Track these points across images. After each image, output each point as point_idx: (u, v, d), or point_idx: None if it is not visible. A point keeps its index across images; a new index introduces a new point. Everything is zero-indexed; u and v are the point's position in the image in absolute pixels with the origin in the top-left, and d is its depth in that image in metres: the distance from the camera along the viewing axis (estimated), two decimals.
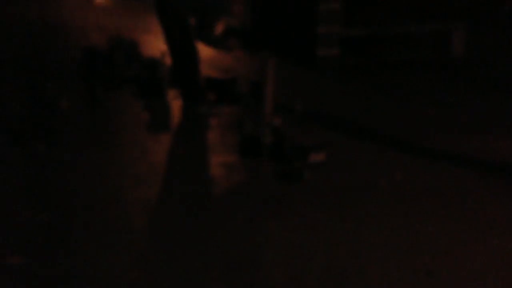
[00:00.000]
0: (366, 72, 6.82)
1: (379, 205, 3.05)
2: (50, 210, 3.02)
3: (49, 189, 3.37)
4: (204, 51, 5.84)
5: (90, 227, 2.86)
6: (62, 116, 4.88)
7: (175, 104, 5.20)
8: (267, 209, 3.09)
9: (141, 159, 3.84)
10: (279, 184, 3.38)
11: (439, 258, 2.51)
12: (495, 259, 2.51)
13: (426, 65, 6.79)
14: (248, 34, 7.61)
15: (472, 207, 3.03)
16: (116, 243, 2.69)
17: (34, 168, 3.66)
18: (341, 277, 2.35)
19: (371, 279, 2.34)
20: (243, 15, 7.73)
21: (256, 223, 2.92)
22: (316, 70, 6.91)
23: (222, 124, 4.55)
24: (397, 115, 4.82)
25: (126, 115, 5.02)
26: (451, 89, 5.66)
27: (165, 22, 5.13)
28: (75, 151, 3.99)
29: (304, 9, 7.52)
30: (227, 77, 5.62)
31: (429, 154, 3.85)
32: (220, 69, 6.05)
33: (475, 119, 4.62)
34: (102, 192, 3.29)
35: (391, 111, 4.97)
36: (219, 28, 6.31)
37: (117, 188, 3.33)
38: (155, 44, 6.80)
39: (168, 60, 5.46)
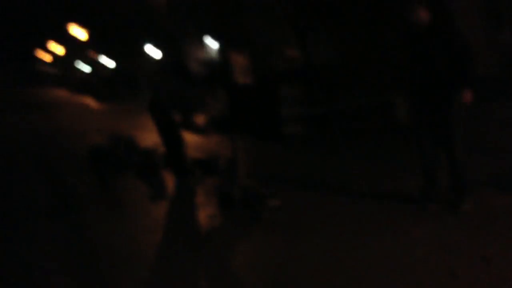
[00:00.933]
0: (324, 142, 8.31)
1: (321, 234, 4.30)
2: None
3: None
4: (189, 137, 7.33)
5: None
6: (82, 196, 6.28)
7: (169, 179, 6.61)
8: (237, 237, 4.41)
9: (148, 218, 5.18)
10: (246, 223, 4.71)
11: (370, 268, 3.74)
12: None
13: (376, 131, 8.12)
14: (224, 121, 9.18)
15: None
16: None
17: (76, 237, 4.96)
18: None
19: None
20: (219, 105, 9.36)
21: (232, 244, 4.20)
22: (283, 145, 8.41)
23: (206, 190, 5.91)
24: (343, 171, 6.18)
25: (131, 191, 6.39)
26: (390, 147, 6.98)
27: (156, 119, 6.65)
28: (94, 219, 5.32)
29: (270, 95, 9.18)
30: (208, 157, 7.08)
31: (357, 195, 5.17)
32: (202, 151, 7.54)
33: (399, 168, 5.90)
34: (124, 235, 4.57)
35: (339, 169, 6.35)
36: (199, 119, 7.83)
37: (133, 235, 4.61)
38: (148, 137, 8.37)
39: (160, 148, 6.93)
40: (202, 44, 30.23)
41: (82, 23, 37.83)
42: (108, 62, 41.53)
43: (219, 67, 24.10)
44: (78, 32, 37.94)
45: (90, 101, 25.37)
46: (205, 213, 5.22)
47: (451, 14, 4.43)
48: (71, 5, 42.28)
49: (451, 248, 3.69)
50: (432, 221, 4.26)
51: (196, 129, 6.89)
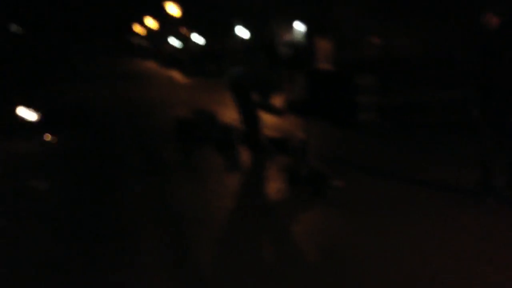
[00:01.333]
0: (397, 131, 8.50)
1: (377, 214, 4.62)
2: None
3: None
4: (266, 117, 7.83)
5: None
6: (166, 162, 6.99)
7: (244, 154, 7.16)
8: (300, 209, 4.85)
9: (222, 186, 5.75)
10: (310, 198, 5.14)
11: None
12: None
13: (447, 126, 8.22)
14: (301, 104, 9.57)
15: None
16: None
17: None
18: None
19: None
20: (298, 88, 9.75)
21: (294, 215, 4.64)
22: (357, 131, 8.69)
23: (277, 166, 6.38)
24: (411, 160, 6.43)
25: (209, 161, 7.01)
26: (461, 141, 7.04)
27: (236, 97, 7.19)
28: (177, 183, 5.98)
29: (346, 83, 9.43)
30: (282, 136, 7.54)
31: (420, 184, 5.42)
32: (277, 130, 8.02)
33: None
34: (200, 198, 5.18)
35: (407, 158, 6.59)
36: (277, 100, 8.29)
37: (208, 199, 5.19)
38: (230, 113, 8.95)
39: (238, 124, 7.48)
40: (291, 27, 30.59)
41: (177, 1, 39.41)
42: (198, 39, 43.02)
43: (303, 51, 24.32)
44: (173, 9, 39.56)
45: (177, 75, 26.61)
46: (273, 186, 5.71)
47: None
48: None
49: (498, 239, 3.91)
50: (487, 213, 4.46)
51: (273, 110, 7.31)
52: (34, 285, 3.64)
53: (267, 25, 33.38)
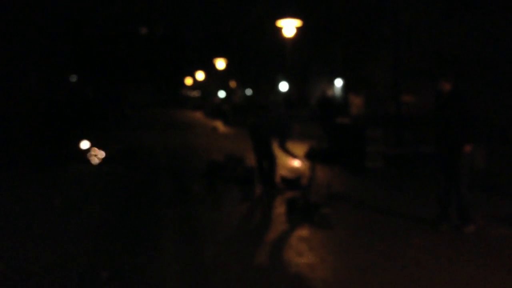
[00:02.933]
0: (399, 178, 9.63)
1: (353, 234, 5.81)
2: None
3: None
4: (282, 158, 9.18)
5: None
6: (196, 196, 8.43)
7: (259, 188, 8.52)
8: (292, 229, 6.09)
9: (236, 212, 7.09)
10: (302, 222, 6.39)
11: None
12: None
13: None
14: (322, 151, 10.92)
15: None
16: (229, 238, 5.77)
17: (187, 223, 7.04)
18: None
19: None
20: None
21: (288, 232, 5.88)
22: (366, 177, 9.86)
23: (283, 199, 7.66)
24: (397, 200, 7.58)
25: (232, 194, 8.38)
26: None
27: (255, 142, 8.63)
28: (205, 210, 7.37)
29: (358, 135, 10.72)
30: (292, 176, 8.87)
31: (393, 216, 6.56)
32: (290, 171, 9.35)
33: None
34: (219, 219, 6.51)
35: (395, 198, 7.75)
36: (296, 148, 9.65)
37: (224, 220, 6.52)
38: (251, 156, 10.37)
39: (255, 165, 8.88)
40: (332, 84, 32.25)
41: (225, 57, 42.15)
42: (243, 92, 45.30)
43: (338, 105, 25.79)
44: (221, 64, 42.22)
45: (219, 124, 28.53)
46: (275, 212, 7.01)
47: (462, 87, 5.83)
48: (219, 43, 47.38)
49: (439, 254, 5.06)
50: (435, 235, 5.61)
51: (290, 154, 8.65)
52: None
53: (307, 82, 35.23)
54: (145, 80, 66.30)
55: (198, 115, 43.02)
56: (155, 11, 68.93)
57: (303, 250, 5.35)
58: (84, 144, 12.64)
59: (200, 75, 55.71)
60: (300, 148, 10.42)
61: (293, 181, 8.67)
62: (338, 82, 31.53)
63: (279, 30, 23.46)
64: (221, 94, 52.70)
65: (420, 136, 11.72)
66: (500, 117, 14.21)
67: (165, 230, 6.39)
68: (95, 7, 38.70)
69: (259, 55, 38.33)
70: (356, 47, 24.88)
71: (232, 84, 50.43)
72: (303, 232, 6.05)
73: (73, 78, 38.11)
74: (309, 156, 10.01)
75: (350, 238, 5.72)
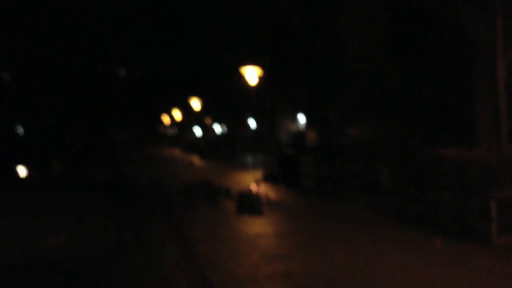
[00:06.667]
0: (323, 192, 13.35)
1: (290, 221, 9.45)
2: None
3: None
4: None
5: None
6: (176, 206, 12.00)
7: (223, 201, 12.18)
8: (243, 221, 9.69)
9: (204, 213, 10.68)
10: (251, 216, 10.02)
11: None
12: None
13: (362, 190, 13.01)
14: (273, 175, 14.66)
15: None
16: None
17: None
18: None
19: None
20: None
21: (240, 222, 9.50)
22: (302, 192, 13.58)
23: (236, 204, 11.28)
24: (320, 206, 11.28)
25: (202, 204, 11.96)
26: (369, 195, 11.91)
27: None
28: (184, 213, 10.94)
29: (295, 161, 14.51)
30: (246, 191, 12.53)
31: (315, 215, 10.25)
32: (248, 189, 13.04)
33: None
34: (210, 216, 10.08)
35: (318, 205, 11.47)
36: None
37: (199, 218, 10.07)
38: (220, 179, 14.04)
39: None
40: (295, 119, 36.31)
41: (199, 96, 46.14)
42: (216, 128, 49.16)
43: (298, 138, 29.82)
44: (196, 104, 46.11)
45: (195, 158, 32.18)
46: (230, 211, 10.70)
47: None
48: (193, 83, 51.64)
49: (335, 229, 8.78)
50: (338, 224, 9.35)
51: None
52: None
53: (273, 118, 39.28)
54: (123, 119, 69.67)
55: (176, 151, 46.57)
56: (132, 54, 73.19)
57: (249, 225, 9.01)
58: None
59: (177, 114, 59.43)
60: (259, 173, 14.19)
61: (246, 194, 12.35)
62: (301, 118, 35.61)
63: (243, 76, 27.46)
64: (197, 130, 56.38)
65: (350, 161, 15.54)
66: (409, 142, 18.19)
67: (157, 223, 9.97)
68: (74, 50, 41.02)
69: (230, 95, 42.45)
70: (312, 87, 29.06)
71: (207, 120, 54.22)
72: (247, 218, 9.72)
73: (52, 119, 40.31)
74: (265, 178, 13.79)
75: (277, 222, 9.39)
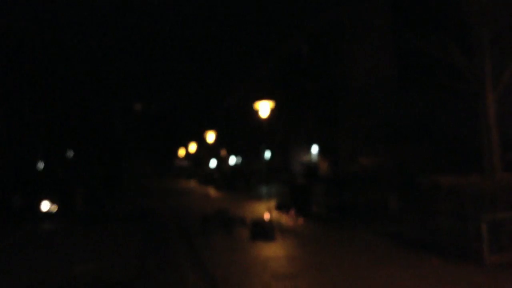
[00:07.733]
0: (333, 220, 14.01)
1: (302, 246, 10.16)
2: None
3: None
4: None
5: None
6: (194, 234, 12.78)
7: (239, 229, 12.92)
8: (260, 246, 10.41)
9: (221, 240, 11.43)
10: (264, 242, 10.74)
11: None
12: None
13: (370, 216, 13.68)
14: (286, 203, 15.41)
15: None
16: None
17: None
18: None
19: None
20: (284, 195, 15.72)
21: (255, 247, 10.22)
22: (312, 220, 14.28)
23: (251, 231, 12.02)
24: (330, 233, 11.97)
25: (219, 232, 12.72)
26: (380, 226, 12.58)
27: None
28: (201, 240, 11.71)
29: (307, 190, 15.24)
30: (260, 219, 13.28)
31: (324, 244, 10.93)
32: (263, 217, 13.78)
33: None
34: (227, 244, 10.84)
35: (335, 235, 12.16)
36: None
37: (216, 245, 10.83)
38: (236, 210, 14.80)
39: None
40: (308, 149, 37.14)
41: (214, 129, 47.31)
42: (232, 161, 50.13)
43: (311, 168, 30.57)
44: (211, 137, 47.26)
45: (211, 190, 33.00)
46: (245, 237, 11.43)
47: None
48: (208, 116, 52.98)
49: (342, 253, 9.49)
50: (348, 248, 10.06)
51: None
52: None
53: (287, 149, 40.15)
54: (140, 153, 71.14)
55: (193, 183, 47.49)
56: (149, 89, 75.21)
57: (262, 250, 9.76)
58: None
59: (192, 147, 60.64)
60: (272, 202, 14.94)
61: (260, 222, 13.09)
62: (314, 149, 36.42)
63: (256, 110, 28.48)
64: (213, 163, 57.39)
65: (359, 189, 16.23)
66: (414, 170, 18.81)
67: (177, 250, 10.75)
68: (91, 86, 42.26)
69: (244, 128, 43.55)
70: (323, 119, 29.95)
71: (223, 152, 55.27)
72: (260, 244, 10.46)
73: (71, 154, 41.68)
74: (278, 207, 14.54)
75: (288, 246, 10.11)
